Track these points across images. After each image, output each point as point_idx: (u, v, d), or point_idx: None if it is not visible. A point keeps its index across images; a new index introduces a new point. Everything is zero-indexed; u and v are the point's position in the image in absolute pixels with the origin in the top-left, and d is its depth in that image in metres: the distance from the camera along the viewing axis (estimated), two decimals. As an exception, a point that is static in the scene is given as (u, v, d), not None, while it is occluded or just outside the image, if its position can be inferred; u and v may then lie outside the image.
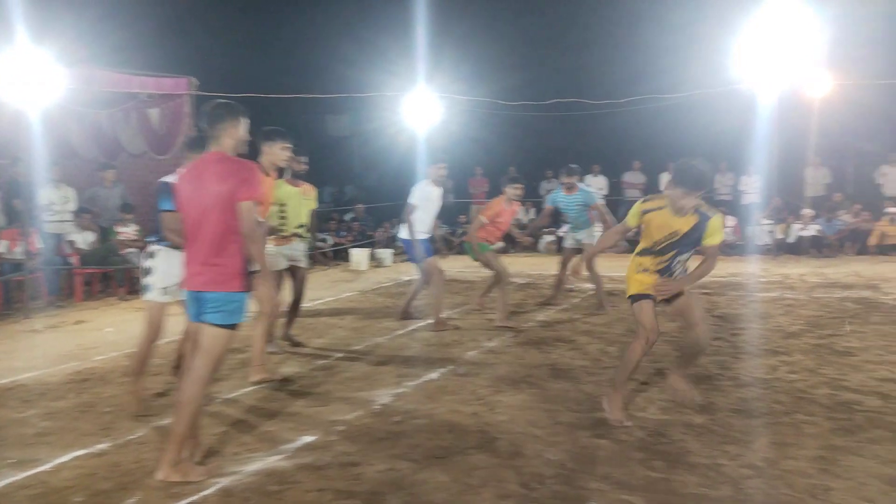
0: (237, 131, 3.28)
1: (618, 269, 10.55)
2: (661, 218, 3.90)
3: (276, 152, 4.71)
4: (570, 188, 7.45)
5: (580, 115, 13.82)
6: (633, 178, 15.62)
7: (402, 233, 6.78)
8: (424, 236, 6.70)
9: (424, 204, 6.64)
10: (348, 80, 15.04)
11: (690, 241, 3.92)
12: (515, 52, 16.49)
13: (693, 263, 4.06)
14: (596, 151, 15.86)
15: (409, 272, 10.64)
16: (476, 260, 6.96)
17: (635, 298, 4.04)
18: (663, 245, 3.94)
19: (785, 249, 12.18)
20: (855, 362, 5.08)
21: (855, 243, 12.18)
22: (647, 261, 4.03)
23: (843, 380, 4.63)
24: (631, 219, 4.05)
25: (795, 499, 2.95)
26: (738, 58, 12.15)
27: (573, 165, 7.56)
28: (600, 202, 7.41)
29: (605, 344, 5.91)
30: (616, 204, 15.44)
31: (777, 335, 6.03)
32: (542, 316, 7.27)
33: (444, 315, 6.77)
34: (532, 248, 14.12)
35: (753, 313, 7.08)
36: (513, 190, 6.90)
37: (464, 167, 15.69)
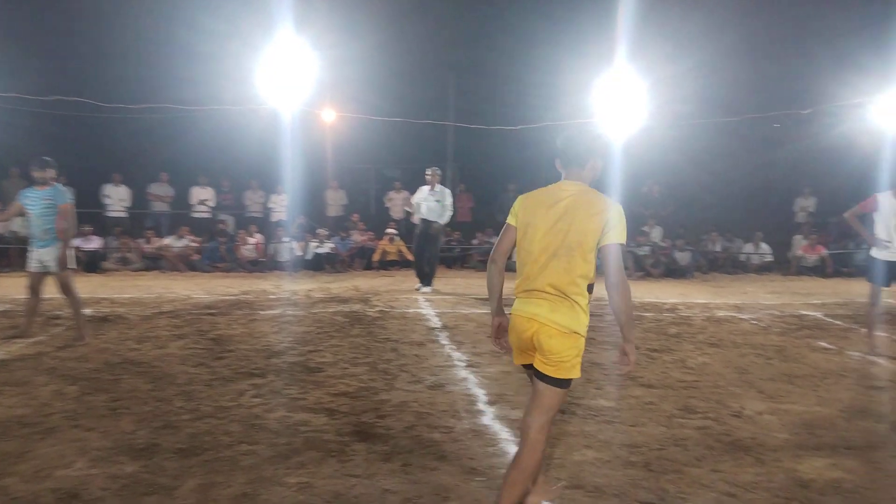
0: None
1: (117, 290, 9.71)
2: None
3: None
4: (42, 183, 6.41)
5: (93, 118, 12.35)
6: (159, 189, 14.66)
7: None
8: None
9: None
10: None
11: None
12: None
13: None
14: (117, 160, 14.47)
15: None
16: None
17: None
18: None
19: (304, 266, 12.87)
20: (321, 378, 5.33)
21: (363, 259, 13.58)
22: None
23: (302, 399, 4.77)
24: None
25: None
26: (261, 80, 12.45)
27: (46, 158, 6.50)
28: (69, 204, 6.48)
29: (66, 384, 5.06)
30: (140, 217, 14.34)
31: (261, 356, 6.04)
32: (2, 353, 5.99)
33: None
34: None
35: (249, 333, 7.05)
36: None
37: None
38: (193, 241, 12.83)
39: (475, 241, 14.26)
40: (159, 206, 14.61)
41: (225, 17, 12.30)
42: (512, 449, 3.87)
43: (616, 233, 2.73)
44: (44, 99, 11.36)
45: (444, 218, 10.60)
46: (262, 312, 8.33)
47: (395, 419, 4.37)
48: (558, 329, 2.75)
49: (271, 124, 13.51)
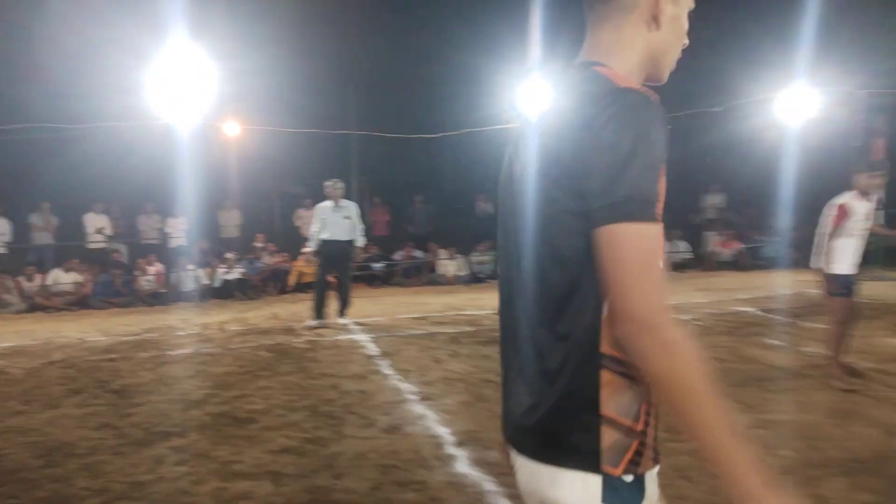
0: None
1: None
2: None
3: None
4: None
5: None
6: (41, 220, 13.10)
7: None
8: None
9: None
10: None
11: None
12: None
13: None
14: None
15: None
16: None
17: None
18: None
19: (212, 294, 11.81)
20: (254, 431, 4.56)
21: (276, 283, 12.64)
22: None
23: (237, 461, 4.00)
24: None
25: None
26: (153, 94, 11.35)
27: None
28: None
29: (-70, 469, 4.04)
30: (22, 252, 12.74)
31: (177, 408, 5.17)
32: None
33: None
34: None
35: (159, 380, 6.12)
36: None
37: None
38: (84, 274, 11.49)
39: (397, 257, 13.63)
40: (41, 237, 13.07)
41: (106, 23, 11.11)
42: (501, 502, 3.30)
43: None
44: None
45: (359, 237, 8.98)
46: (171, 353, 7.35)
47: (356, 477, 3.70)
48: None
49: (165, 141, 12.36)
